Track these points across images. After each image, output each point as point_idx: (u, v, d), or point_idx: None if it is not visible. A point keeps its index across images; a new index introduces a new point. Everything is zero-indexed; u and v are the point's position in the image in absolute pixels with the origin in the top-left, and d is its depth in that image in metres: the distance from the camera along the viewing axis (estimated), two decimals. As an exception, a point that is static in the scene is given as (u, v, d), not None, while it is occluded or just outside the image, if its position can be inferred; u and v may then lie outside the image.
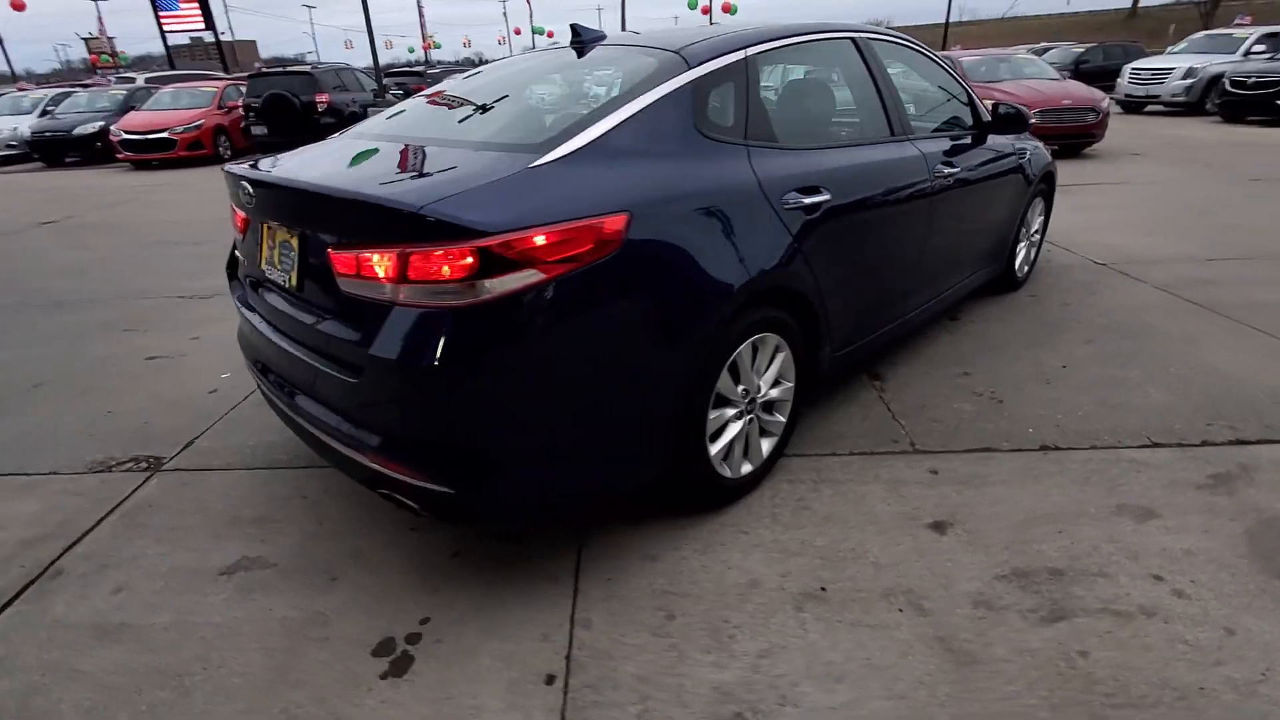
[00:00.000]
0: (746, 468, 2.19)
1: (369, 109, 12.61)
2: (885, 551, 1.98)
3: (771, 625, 1.74)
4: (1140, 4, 52.19)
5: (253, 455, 2.62)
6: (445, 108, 2.37)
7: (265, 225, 1.95)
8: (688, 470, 1.96)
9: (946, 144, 2.97)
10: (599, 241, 1.58)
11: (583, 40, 2.39)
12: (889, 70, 2.76)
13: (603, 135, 1.75)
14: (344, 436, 1.73)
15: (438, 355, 1.48)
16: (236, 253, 2.29)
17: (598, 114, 1.82)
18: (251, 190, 1.82)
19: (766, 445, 2.26)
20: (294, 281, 1.82)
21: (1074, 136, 8.73)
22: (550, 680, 1.61)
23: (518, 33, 53.58)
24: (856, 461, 2.43)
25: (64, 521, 2.26)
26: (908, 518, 2.12)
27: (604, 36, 2.42)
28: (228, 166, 2.09)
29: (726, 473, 2.10)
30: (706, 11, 28.98)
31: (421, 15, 42.55)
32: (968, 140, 3.16)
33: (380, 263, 1.51)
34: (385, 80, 13.34)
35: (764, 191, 2.00)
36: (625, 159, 1.75)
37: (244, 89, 12.34)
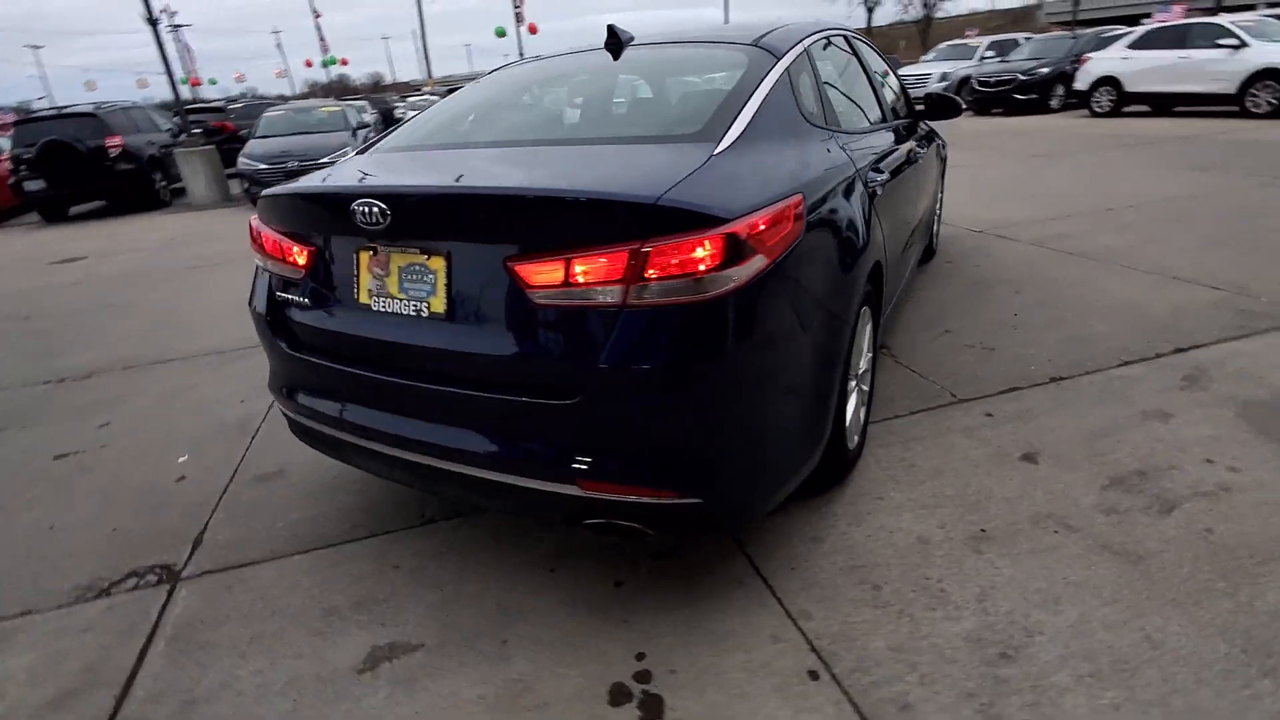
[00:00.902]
0: (856, 438, 2.28)
1: (170, 150, 11.01)
2: (1003, 487, 2.17)
3: (967, 571, 1.83)
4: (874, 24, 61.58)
5: (295, 537, 2.19)
6: (522, 109, 2.22)
7: (367, 252, 1.68)
8: (834, 446, 2.00)
9: (904, 127, 3.31)
10: (794, 223, 1.58)
11: (620, 40, 2.34)
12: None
13: (750, 123, 1.74)
14: (537, 470, 1.54)
15: (688, 356, 1.38)
16: (287, 294, 1.91)
17: (731, 104, 1.81)
18: (385, 207, 1.54)
19: (862, 414, 2.37)
20: (438, 308, 1.58)
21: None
22: (815, 676, 1.55)
23: (308, 64, 49.77)
24: (922, 419, 2.63)
25: (89, 666, 1.73)
26: (1000, 456, 2.34)
27: (633, 37, 2.40)
28: (299, 187, 1.82)
29: (850, 445, 2.17)
30: (535, 31, 29.05)
31: (189, 50, 37.99)
32: (911, 123, 3.55)
33: (603, 265, 1.38)
34: (186, 117, 11.65)
35: (857, 171, 2.11)
36: (772, 144, 1.76)
37: (6, 139, 10.16)
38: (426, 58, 33.15)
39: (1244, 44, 10.32)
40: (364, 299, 1.71)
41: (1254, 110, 10.29)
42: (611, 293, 1.39)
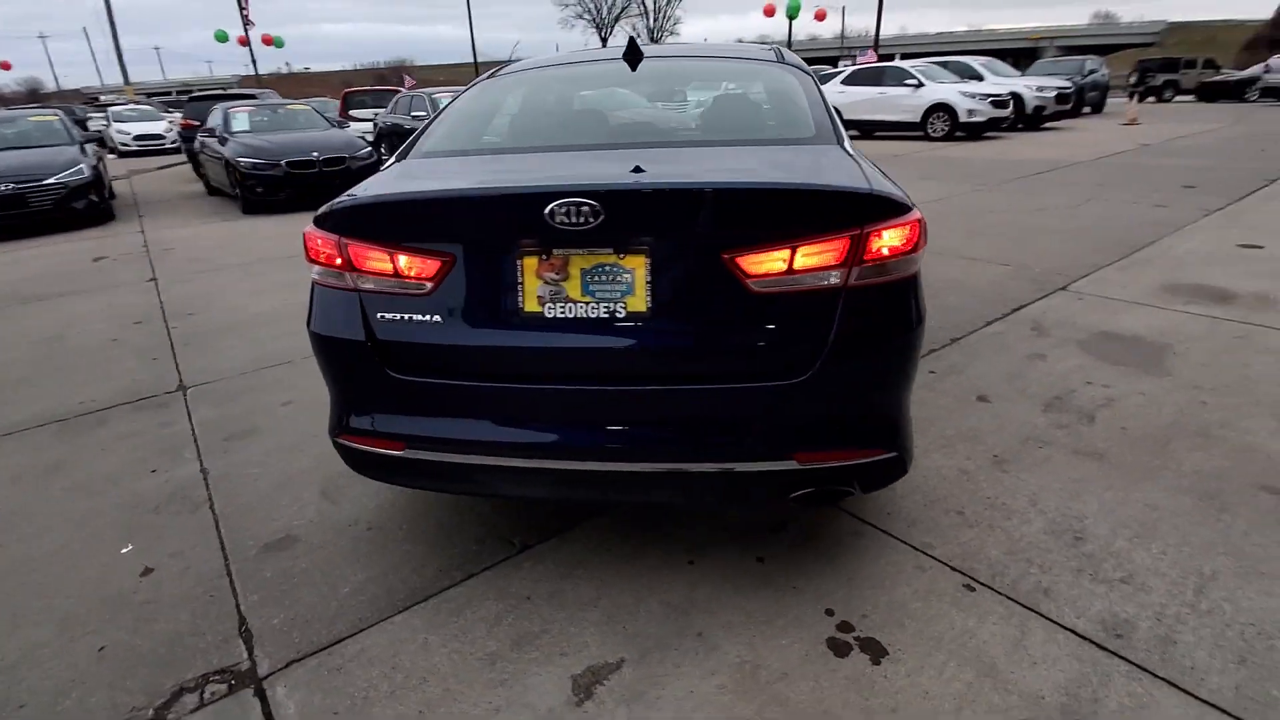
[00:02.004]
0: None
1: None
2: (983, 422, 2.71)
3: (1008, 487, 2.29)
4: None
5: (377, 598, 1.89)
6: (593, 113, 2.15)
7: (533, 257, 1.57)
8: None
9: None
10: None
11: (639, 52, 2.42)
12: None
13: (840, 128, 1.98)
14: (751, 451, 1.60)
15: (898, 328, 1.58)
16: (403, 314, 1.65)
17: (818, 110, 2.03)
18: (598, 205, 1.46)
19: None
20: (638, 307, 1.55)
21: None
22: (970, 588, 1.85)
23: None
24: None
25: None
26: (962, 400, 2.90)
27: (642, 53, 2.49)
28: (447, 191, 1.69)
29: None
30: (257, 42, 25.45)
31: None
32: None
33: (827, 252, 1.51)
34: None
35: None
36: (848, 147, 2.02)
37: None
38: (121, 62, 27.29)
39: (922, 84, 13.38)
40: (532, 307, 1.59)
41: (933, 134, 13.37)
42: (833, 276, 1.53)
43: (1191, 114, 17.99)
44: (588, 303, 1.58)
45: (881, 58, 19.25)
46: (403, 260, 1.63)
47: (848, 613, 1.79)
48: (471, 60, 35.49)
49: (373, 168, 8.90)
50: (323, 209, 1.74)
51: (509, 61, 2.75)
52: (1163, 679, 1.55)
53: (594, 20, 62.96)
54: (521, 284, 1.60)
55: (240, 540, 2.18)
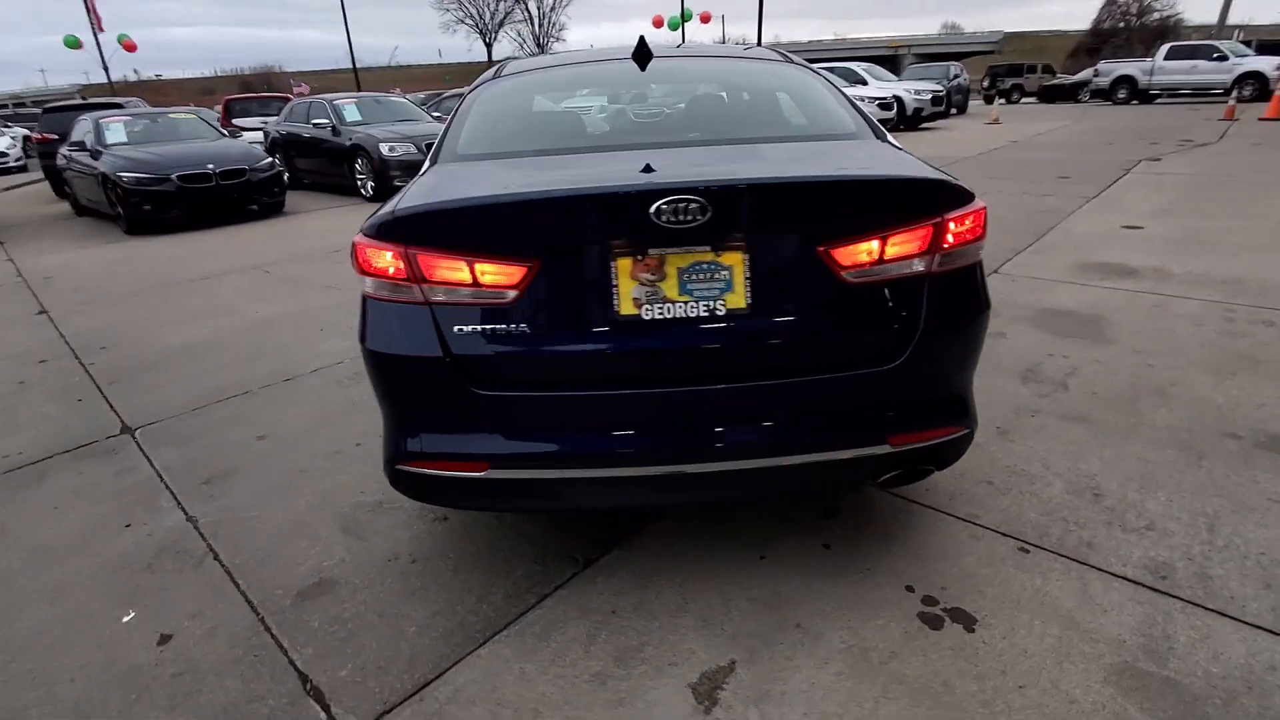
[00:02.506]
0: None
1: None
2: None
3: (1021, 454, 2.47)
4: (494, 58, 65.07)
5: (451, 633, 1.76)
6: (620, 113, 2.08)
7: (627, 257, 1.52)
8: None
9: None
10: None
11: (649, 52, 2.39)
12: None
13: (874, 124, 2.06)
14: (848, 438, 1.63)
15: (974, 310, 1.67)
16: (482, 325, 1.56)
17: (849, 108, 2.09)
18: (706, 202, 1.44)
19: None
20: (737, 303, 1.54)
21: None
22: (1024, 550, 1.98)
23: None
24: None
25: None
26: (950, 380, 3.09)
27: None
28: (547, 192, 1.56)
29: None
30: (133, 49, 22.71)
31: None
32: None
33: (913, 240, 1.57)
34: None
35: None
36: None
37: None
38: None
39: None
40: (628, 309, 1.54)
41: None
42: (919, 263, 1.59)
43: (1039, 114, 20.13)
44: (686, 302, 1.55)
45: None
46: (481, 268, 1.53)
47: (927, 587, 1.86)
48: (349, 67, 33.64)
49: (277, 179, 8.26)
50: (379, 218, 1.60)
51: (506, 60, 2.64)
52: (1213, 610, 1.73)
53: (477, 26, 61.79)
54: (616, 286, 1.54)
55: (267, 591, 1.95)
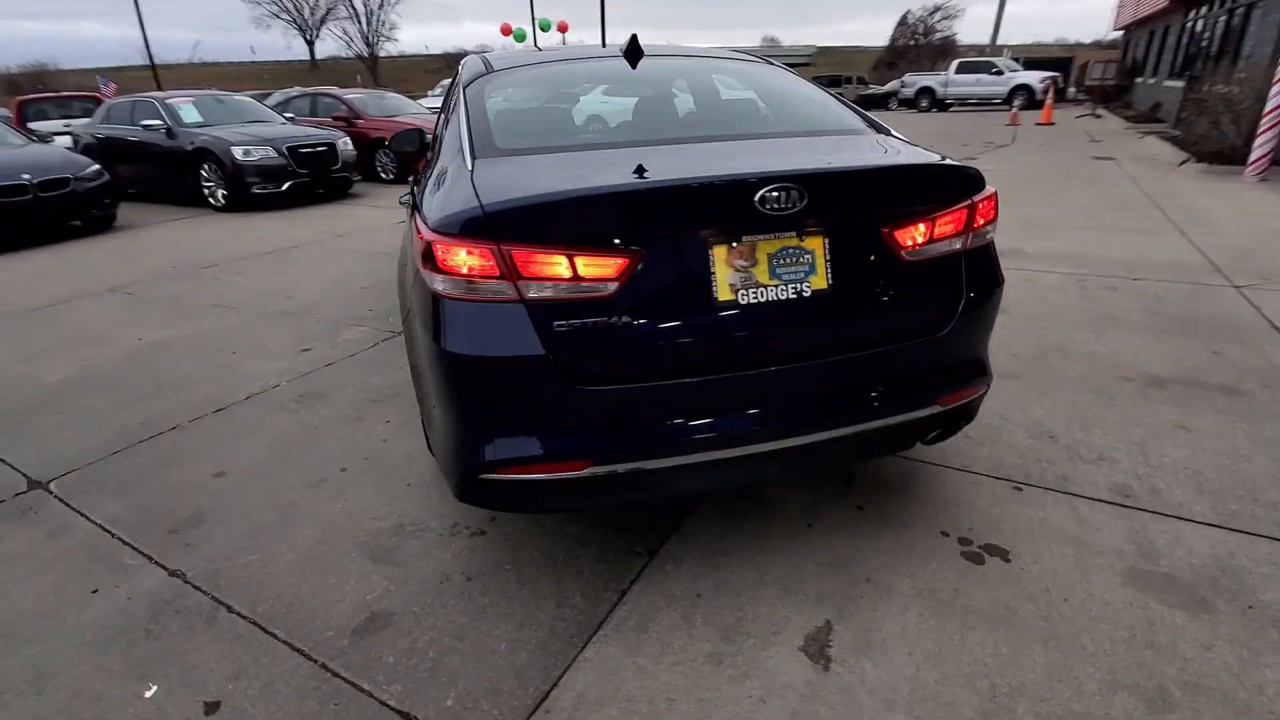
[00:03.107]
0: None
1: None
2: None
3: (1035, 405, 2.82)
4: (318, 57, 60.18)
5: (550, 643, 1.69)
6: (644, 110, 2.06)
7: (722, 246, 1.56)
8: None
9: None
10: None
11: (640, 51, 2.42)
12: None
13: (876, 121, 2.25)
14: (906, 404, 1.80)
15: (996, 280, 1.90)
16: (584, 319, 1.53)
17: (843, 106, 2.27)
18: (803, 190, 1.52)
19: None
20: (820, 284, 1.64)
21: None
22: (1018, 488, 2.28)
23: None
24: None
25: None
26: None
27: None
28: (653, 183, 1.58)
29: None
30: None
31: None
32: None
33: (955, 221, 1.76)
34: None
35: None
36: None
37: None
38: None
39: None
40: (725, 295, 1.59)
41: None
42: (957, 242, 1.79)
43: (863, 119, 22.45)
44: (776, 285, 1.63)
45: None
46: (581, 261, 1.51)
47: (958, 530, 2.09)
48: (143, 63, 29.51)
49: (108, 189, 7.15)
50: (459, 215, 1.52)
51: (481, 55, 2.53)
52: (1172, 516, 2.12)
53: (295, 21, 56.93)
54: (714, 274, 1.59)
55: (314, 635, 1.75)
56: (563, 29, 23.52)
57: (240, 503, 2.34)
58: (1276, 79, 7.38)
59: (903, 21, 49.84)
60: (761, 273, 1.62)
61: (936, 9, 47.37)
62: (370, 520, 2.22)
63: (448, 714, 1.53)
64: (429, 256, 1.55)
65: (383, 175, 10.19)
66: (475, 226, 1.50)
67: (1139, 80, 20.74)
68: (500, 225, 1.50)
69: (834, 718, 1.50)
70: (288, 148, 8.00)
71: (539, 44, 24.65)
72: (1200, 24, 13.87)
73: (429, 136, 4.06)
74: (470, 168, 1.78)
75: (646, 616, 1.79)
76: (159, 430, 2.86)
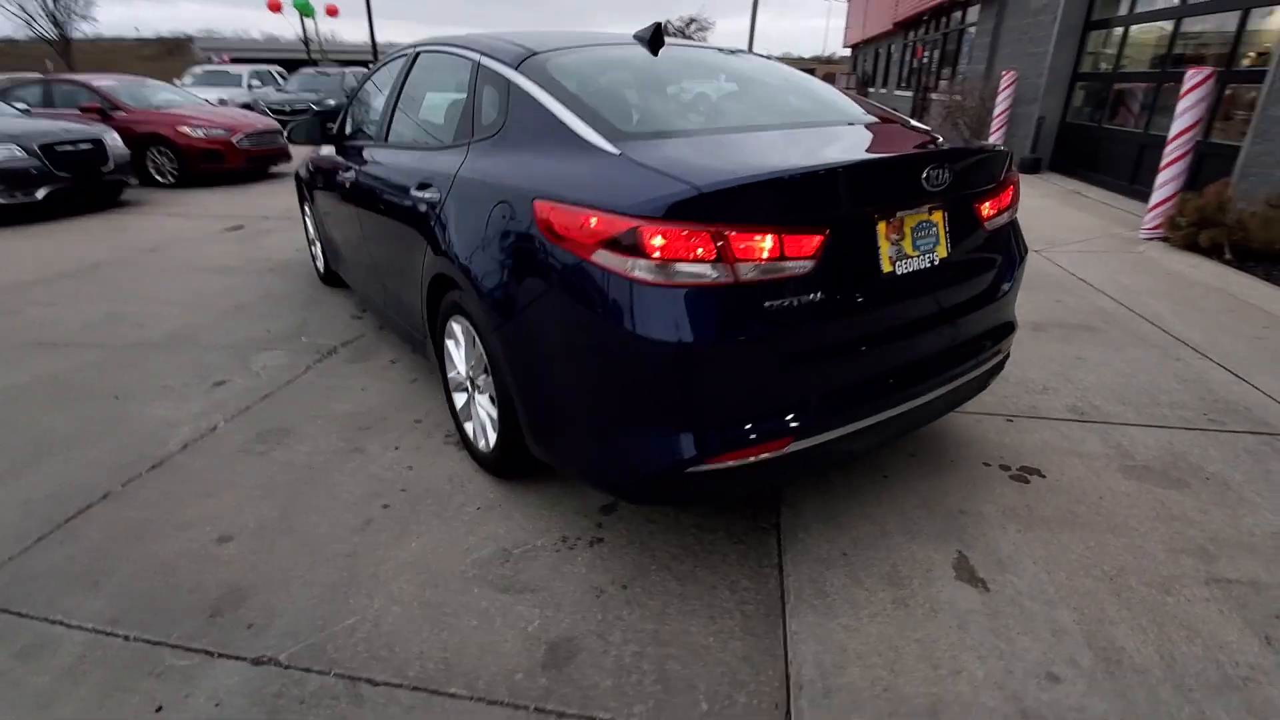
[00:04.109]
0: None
1: None
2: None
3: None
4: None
5: (755, 624, 1.69)
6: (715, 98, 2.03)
7: (883, 221, 1.68)
8: None
9: None
10: None
11: (663, 40, 2.40)
12: None
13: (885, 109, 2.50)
14: (991, 352, 2.09)
15: (1023, 244, 2.25)
16: (787, 298, 1.56)
17: (846, 98, 2.48)
18: (952, 167, 1.67)
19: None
20: (942, 253, 1.83)
21: (273, 158, 9.38)
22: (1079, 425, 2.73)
23: None
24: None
25: None
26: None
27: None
28: (845, 161, 1.66)
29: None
30: None
31: None
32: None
33: (1009, 197, 2.07)
34: None
35: None
36: None
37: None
38: None
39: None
40: (887, 267, 1.70)
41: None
42: (1009, 214, 2.11)
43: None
44: (916, 256, 1.79)
45: (364, 64, 19.43)
46: (787, 241, 1.52)
47: (995, 460, 2.46)
48: None
49: None
50: (671, 197, 1.45)
51: (520, 35, 2.34)
52: (1119, 423, 2.71)
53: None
54: (879, 247, 1.70)
55: (505, 684, 1.54)
56: (332, 12, 21.38)
57: (280, 566, 1.92)
58: (1003, 87, 9.38)
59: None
60: (908, 245, 1.77)
61: (691, 20, 51.59)
62: (463, 552, 1.97)
63: (711, 717, 1.46)
64: (627, 242, 1.46)
65: (159, 178, 8.50)
66: (690, 208, 1.45)
67: (871, 90, 24.69)
68: (716, 206, 1.46)
69: (1019, 626, 1.72)
70: (40, 146, 6.33)
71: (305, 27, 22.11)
72: (919, 44, 16.97)
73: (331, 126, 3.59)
74: (613, 150, 1.68)
75: (816, 582, 1.86)
76: (87, 502, 2.19)
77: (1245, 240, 4.65)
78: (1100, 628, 1.71)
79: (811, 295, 1.60)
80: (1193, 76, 5.14)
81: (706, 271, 1.48)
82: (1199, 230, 4.83)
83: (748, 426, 1.60)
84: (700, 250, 1.46)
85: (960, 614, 1.76)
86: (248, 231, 6.15)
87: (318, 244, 4.40)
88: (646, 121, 1.95)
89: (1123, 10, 8.19)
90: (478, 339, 2.06)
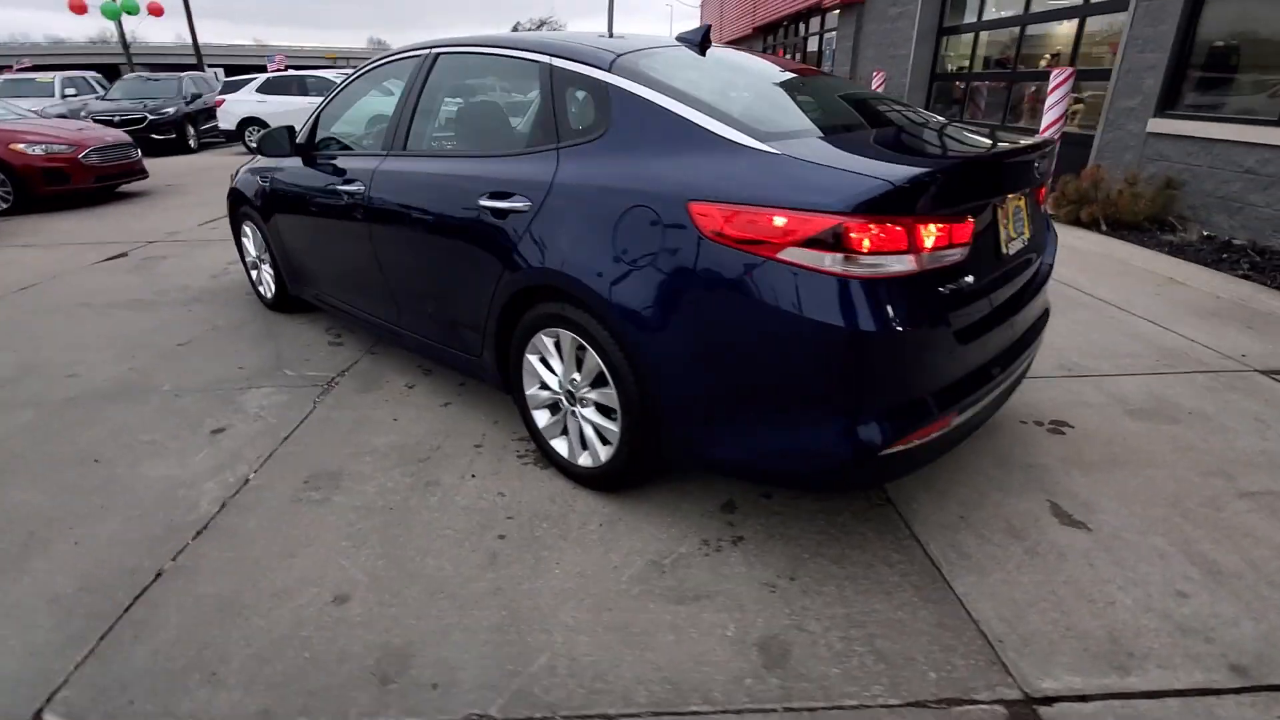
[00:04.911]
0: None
1: None
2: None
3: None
4: None
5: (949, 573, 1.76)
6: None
7: (1000, 206, 1.84)
8: None
9: None
10: None
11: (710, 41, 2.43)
12: None
13: None
14: (1044, 324, 2.33)
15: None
16: (950, 283, 1.66)
17: None
18: (1044, 159, 1.84)
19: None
20: (1026, 233, 2.03)
21: (125, 174, 8.19)
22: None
23: None
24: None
25: None
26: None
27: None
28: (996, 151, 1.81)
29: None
30: None
31: None
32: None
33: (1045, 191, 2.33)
34: None
35: None
36: None
37: None
38: None
39: (354, 94, 13.32)
40: (1004, 249, 1.86)
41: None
42: (1048, 199, 2.37)
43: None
44: (1016, 238, 1.98)
45: (186, 67, 17.66)
46: (954, 229, 1.63)
47: (1029, 418, 2.74)
48: None
49: None
50: (870, 192, 1.51)
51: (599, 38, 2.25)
52: (1100, 375, 3.12)
53: None
54: (1000, 230, 1.86)
55: (736, 689, 1.51)
56: (156, 12, 18.94)
57: (424, 616, 1.74)
58: (875, 86, 10.29)
59: (515, 30, 52.92)
60: (1011, 227, 1.96)
61: (543, 23, 51.28)
62: (613, 570, 1.90)
63: (944, 684, 1.54)
64: (829, 238, 1.50)
65: (-15, 205, 7.14)
66: (887, 202, 1.51)
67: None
68: (908, 199, 1.54)
69: (1133, 556, 1.96)
70: None
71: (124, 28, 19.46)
72: (780, 48, 18.11)
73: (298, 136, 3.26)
74: (771, 149, 1.70)
75: (955, 546, 2.00)
76: (140, 585, 1.85)
77: (1116, 214, 5.49)
78: (1189, 546, 2.00)
79: (967, 278, 1.73)
80: (1057, 75, 5.98)
81: (898, 262, 1.55)
82: (1080, 207, 5.64)
83: (928, 406, 1.70)
84: (895, 242, 1.54)
85: (1083, 554, 1.97)
86: (136, 259, 5.36)
87: (264, 267, 3.95)
88: (768, 121, 1.97)
89: (970, 18, 9.30)
90: (594, 350, 1.99)
